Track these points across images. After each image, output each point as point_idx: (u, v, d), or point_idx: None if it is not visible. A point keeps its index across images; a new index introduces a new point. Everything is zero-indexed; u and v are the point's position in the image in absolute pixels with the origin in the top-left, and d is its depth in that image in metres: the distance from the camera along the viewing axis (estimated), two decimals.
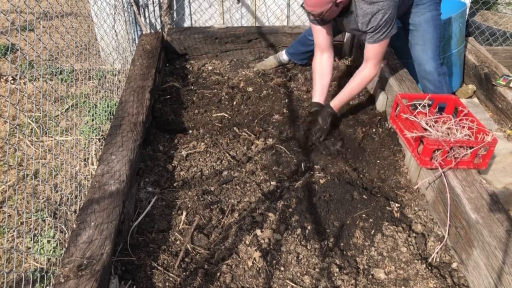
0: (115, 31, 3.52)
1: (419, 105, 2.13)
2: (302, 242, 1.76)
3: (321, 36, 2.35)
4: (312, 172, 2.15)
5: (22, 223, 2.07)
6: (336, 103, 2.34)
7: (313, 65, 2.45)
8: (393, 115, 2.22)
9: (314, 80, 2.43)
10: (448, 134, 1.94)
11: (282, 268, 1.66)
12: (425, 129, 1.95)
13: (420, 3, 2.40)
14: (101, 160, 1.92)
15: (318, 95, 2.40)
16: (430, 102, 2.15)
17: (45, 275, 1.77)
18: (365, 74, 2.27)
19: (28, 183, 2.35)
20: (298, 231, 1.81)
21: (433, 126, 1.98)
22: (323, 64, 2.40)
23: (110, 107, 2.88)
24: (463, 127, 1.98)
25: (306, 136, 2.32)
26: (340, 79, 2.96)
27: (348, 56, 3.31)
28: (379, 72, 2.23)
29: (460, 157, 1.81)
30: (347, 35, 3.25)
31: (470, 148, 1.82)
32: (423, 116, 2.07)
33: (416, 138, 1.93)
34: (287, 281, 1.61)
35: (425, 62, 2.48)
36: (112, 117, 2.59)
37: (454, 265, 1.70)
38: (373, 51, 2.20)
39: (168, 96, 2.79)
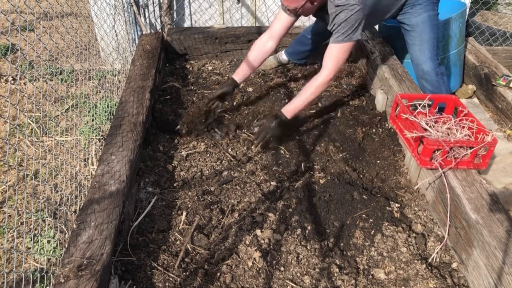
0: (115, 31, 3.53)
1: (419, 105, 2.13)
2: (302, 242, 1.76)
3: (280, 24, 2.30)
4: (312, 172, 2.15)
5: (22, 223, 2.07)
6: (289, 109, 2.21)
7: (254, 45, 2.38)
8: (393, 115, 2.22)
9: (245, 59, 2.39)
10: (448, 134, 1.94)
11: (282, 268, 1.66)
12: (425, 129, 1.96)
13: (417, 3, 2.40)
14: (101, 160, 1.92)
15: (240, 74, 2.40)
16: (430, 102, 2.15)
17: (45, 275, 1.77)
18: (319, 80, 2.16)
19: (28, 183, 2.35)
20: (298, 231, 1.81)
21: (433, 126, 1.98)
22: (262, 50, 2.37)
23: (110, 107, 2.88)
24: (463, 127, 1.98)
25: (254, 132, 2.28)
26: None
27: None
28: (332, 79, 2.14)
29: (460, 157, 1.82)
30: None
31: (470, 148, 1.82)
32: (423, 116, 2.07)
33: (416, 138, 1.93)
34: (287, 281, 1.61)
35: (422, 62, 2.48)
36: (112, 117, 2.59)
37: (454, 265, 1.70)
38: (330, 52, 2.13)
39: (168, 96, 2.79)
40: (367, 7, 2.08)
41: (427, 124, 1.99)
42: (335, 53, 2.13)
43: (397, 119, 2.17)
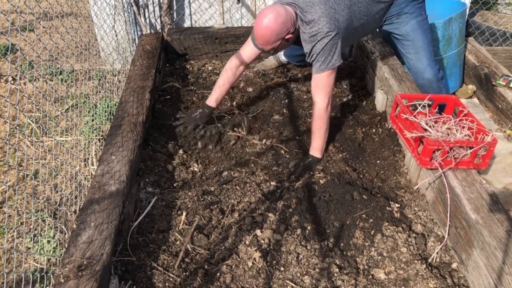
0: (115, 32, 3.52)
1: (419, 106, 2.13)
2: (302, 242, 1.76)
3: (249, 53, 2.32)
4: (312, 172, 2.15)
5: (22, 223, 2.07)
6: (317, 150, 2.22)
7: (225, 69, 2.40)
8: (393, 115, 2.22)
9: (218, 83, 2.41)
10: (448, 135, 1.94)
11: (282, 268, 1.66)
12: (425, 129, 1.95)
13: (402, 12, 2.33)
14: (101, 160, 1.92)
15: (213, 98, 2.41)
16: (430, 103, 2.15)
17: (45, 275, 1.77)
18: (319, 112, 2.14)
19: (28, 183, 2.35)
20: (298, 231, 1.81)
21: (433, 126, 1.98)
22: (236, 73, 2.39)
23: (110, 107, 2.88)
24: (463, 127, 1.98)
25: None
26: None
27: (348, 56, 3.32)
28: (330, 102, 2.14)
29: (460, 157, 1.81)
30: None
31: (470, 148, 1.82)
32: (423, 116, 2.07)
33: (416, 138, 1.93)
34: (287, 281, 1.61)
35: (422, 70, 2.44)
36: (112, 117, 2.59)
37: (454, 265, 1.70)
38: (316, 83, 2.13)
39: (168, 96, 2.79)
40: (341, 30, 2.05)
41: (427, 124, 1.99)
42: (321, 83, 2.11)
43: (397, 119, 2.17)
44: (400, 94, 2.19)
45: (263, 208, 1.92)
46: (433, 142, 1.82)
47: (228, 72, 2.39)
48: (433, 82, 2.47)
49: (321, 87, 2.12)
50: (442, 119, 2.05)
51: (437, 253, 1.74)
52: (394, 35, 2.48)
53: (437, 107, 2.15)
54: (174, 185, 2.06)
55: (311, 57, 2.09)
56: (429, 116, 2.06)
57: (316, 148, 2.22)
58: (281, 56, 3.08)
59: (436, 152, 1.86)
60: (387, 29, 2.46)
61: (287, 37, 2.05)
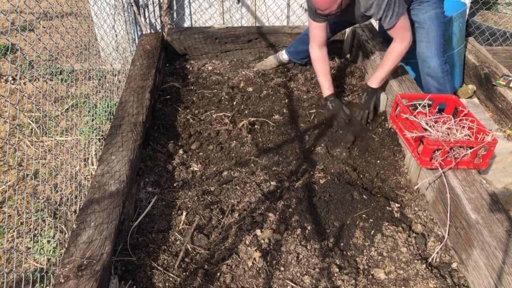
0: (115, 31, 3.53)
1: (419, 105, 2.13)
2: (302, 242, 1.76)
3: (322, 32, 2.44)
4: (312, 172, 2.15)
5: (22, 223, 2.07)
6: (375, 80, 2.43)
7: (314, 60, 2.54)
8: (393, 115, 2.22)
9: (320, 75, 2.53)
10: (448, 134, 1.94)
11: (282, 268, 1.66)
12: (425, 129, 1.95)
13: (425, 0, 2.43)
14: (101, 160, 1.92)
15: (330, 88, 2.52)
16: (430, 102, 2.15)
17: (45, 275, 1.77)
18: (396, 50, 2.33)
19: (28, 183, 2.35)
20: (298, 231, 1.81)
21: (433, 126, 1.98)
22: (324, 59, 2.52)
23: (110, 107, 2.88)
24: (463, 127, 1.98)
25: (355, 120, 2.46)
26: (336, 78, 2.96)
27: (348, 56, 3.31)
28: (410, 42, 2.33)
29: (460, 157, 1.81)
30: (347, 34, 3.26)
31: (470, 148, 1.82)
32: (423, 116, 2.07)
33: (416, 138, 1.93)
34: (287, 281, 1.61)
35: (429, 58, 2.51)
36: (112, 117, 2.59)
37: (454, 265, 1.70)
38: (393, 32, 2.29)
39: (168, 96, 2.79)
40: None
41: (427, 124, 1.99)
42: (398, 32, 2.27)
43: (397, 119, 2.17)
44: (400, 94, 2.20)
45: (263, 208, 1.92)
46: (433, 142, 1.82)
47: (319, 62, 2.52)
48: (438, 72, 2.51)
49: (399, 33, 2.27)
50: (442, 119, 2.05)
51: (437, 253, 1.73)
52: (410, 21, 2.52)
53: (437, 107, 2.16)
54: (174, 185, 2.06)
55: (379, 15, 2.21)
56: (429, 116, 2.06)
57: (376, 77, 2.42)
58: (281, 55, 3.08)
59: (436, 152, 1.86)
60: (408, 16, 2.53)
61: None
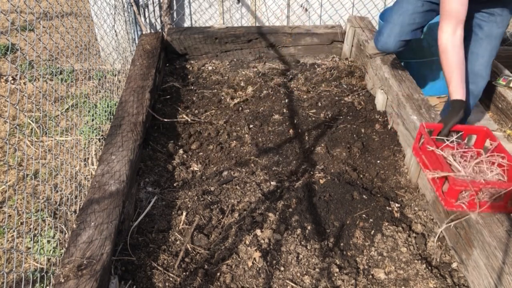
0: (115, 31, 3.53)
1: (447, 140, 1.88)
2: (302, 242, 1.76)
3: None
4: (312, 172, 2.15)
5: (22, 223, 2.07)
6: (455, 91, 1.94)
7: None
8: (416, 146, 1.98)
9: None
10: (477, 173, 1.73)
11: (282, 268, 1.66)
12: (450, 164, 1.75)
13: (504, 13, 2.14)
14: (101, 160, 1.92)
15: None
16: (459, 134, 1.91)
17: (45, 275, 1.77)
18: (438, 44, 1.93)
19: (28, 183, 2.35)
20: (298, 231, 1.81)
21: (460, 163, 1.76)
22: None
23: (110, 107, 2.88)
24: (493, 163, 1.77)
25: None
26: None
27: (348, 56, 3.31)
28: (457, 35, 1.88)
29: (491, 201, 1.61)
30: (347, 34, 3.25)
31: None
32: (450, 149, 1.84)
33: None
34: (287, 281, 1.61)
35: (485, 78, 2.31)
36: (112, 117, 2.59)
37: (454, 265, 1.70)
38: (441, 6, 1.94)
39: (168, 96, 2.79)
40: None
41: (454, 158, 1.77)
42: (444, 5, 1.92)
43: (421, 151, 1.93)
44: (425, 123, 1.92)
45: (263, 208, 1.92)
46: (460, 183, 1.62)
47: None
48: (480, 94, 2.36)
49: (444, 11, 1.92)
50: (470, 153, 1.83)
51: (437, 253, 1.73)
52: (476, 30, 2.27)
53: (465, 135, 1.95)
54: (174, 185, 2.06)
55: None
56: (457, 149, 1.83)
57: (453, 91, 1.93)
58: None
59: (463, 192, 1.65)
60: (477, 22, 2.24)
61: None
